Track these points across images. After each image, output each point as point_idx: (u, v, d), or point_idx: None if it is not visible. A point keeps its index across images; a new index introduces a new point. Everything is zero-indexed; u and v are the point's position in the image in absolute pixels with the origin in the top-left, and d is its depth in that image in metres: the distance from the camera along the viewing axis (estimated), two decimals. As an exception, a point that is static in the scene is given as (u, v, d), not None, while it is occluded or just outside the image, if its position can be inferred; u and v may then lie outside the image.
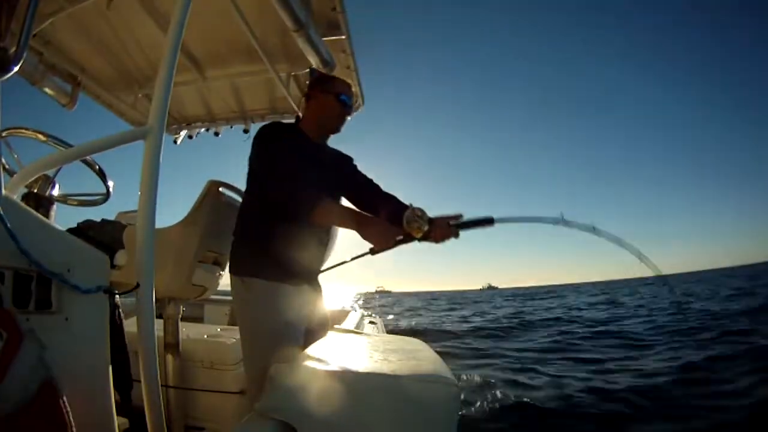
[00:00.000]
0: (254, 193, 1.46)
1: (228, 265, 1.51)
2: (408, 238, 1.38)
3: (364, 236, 1.30)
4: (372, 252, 1.42)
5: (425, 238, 1.38)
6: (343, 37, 1.93)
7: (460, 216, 1.43)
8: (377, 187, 1.63)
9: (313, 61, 1.86)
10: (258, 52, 1.97)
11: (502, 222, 1.43)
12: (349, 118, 1.56)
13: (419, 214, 1.37)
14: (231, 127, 2.76)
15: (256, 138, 1.42)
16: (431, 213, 1.39)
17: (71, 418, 0.68)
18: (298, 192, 1.31)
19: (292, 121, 1.70)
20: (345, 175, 1.62)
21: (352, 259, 1.54)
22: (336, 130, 1.56)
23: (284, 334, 1.35)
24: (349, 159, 1.68)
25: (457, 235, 1.41)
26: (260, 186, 1.43)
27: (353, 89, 2.24)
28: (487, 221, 1.43)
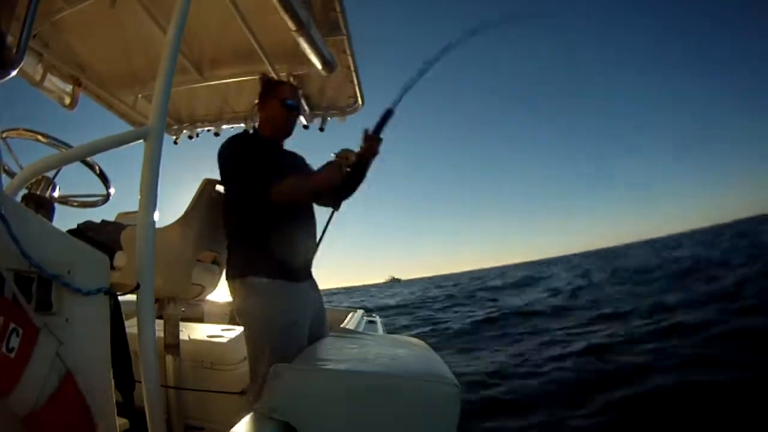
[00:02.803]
0: (230, 199, 1.52)
1: (225, 270, 1.51)
2: (350, 170, 1.47)
3: (315, 185, 1.38)
4: (334, 206, 1.62)
5: (360, 161, 1.47)
6: (343, 37, 1.93)
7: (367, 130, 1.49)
8: None
9: (315, 61, 1.86)
10: (258, 53, 1.97)
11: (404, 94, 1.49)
12: (302, 119, 1.62)
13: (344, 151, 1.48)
14: (231, 128, 2.76)
15: (218, 153, 1.46)
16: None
17: (90, 406, 0.71)
18: (250, 183, 1.36)
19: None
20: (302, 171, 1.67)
21: (324, 229, 1.70)
22: (287, 132, 1.62)
23: (293, 332, 1.36)
24: (303, 158, 1.73)
25: (379, 140, 1.48)
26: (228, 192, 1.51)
27: (355, 89, 2.25)
28: (387, 112, 1.49)
